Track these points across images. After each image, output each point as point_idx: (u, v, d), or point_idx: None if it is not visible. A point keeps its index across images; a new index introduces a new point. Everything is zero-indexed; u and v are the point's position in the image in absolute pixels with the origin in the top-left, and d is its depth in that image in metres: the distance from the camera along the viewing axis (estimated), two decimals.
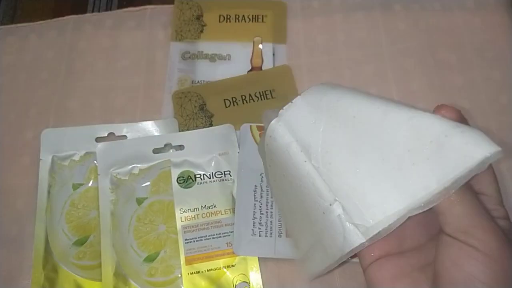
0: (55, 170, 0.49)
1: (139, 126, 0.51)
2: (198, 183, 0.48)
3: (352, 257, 0.33)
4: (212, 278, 0.44)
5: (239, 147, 0.49)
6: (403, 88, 0.53)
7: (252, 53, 0.56)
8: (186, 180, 0.48)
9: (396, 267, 0.32)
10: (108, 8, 0.60)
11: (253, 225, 0.45)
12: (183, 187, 0.47)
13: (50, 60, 0.56)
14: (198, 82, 0.54)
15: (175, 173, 0.48)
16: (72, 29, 0.57)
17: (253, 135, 0.49)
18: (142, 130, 0.51)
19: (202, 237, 0.46)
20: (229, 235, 0.46)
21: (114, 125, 0.51)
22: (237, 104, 0.52)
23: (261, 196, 0.47)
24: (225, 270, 0.45)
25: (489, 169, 0.30)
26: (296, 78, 0.54)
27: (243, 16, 0.57)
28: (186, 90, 0.53)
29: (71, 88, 0.54)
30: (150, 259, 0.45)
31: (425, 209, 0.28)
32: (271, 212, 0.46)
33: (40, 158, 0.49)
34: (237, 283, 0.44)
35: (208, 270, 0.45)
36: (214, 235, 0.46)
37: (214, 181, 0.48)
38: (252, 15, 0.57)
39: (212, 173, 0.48)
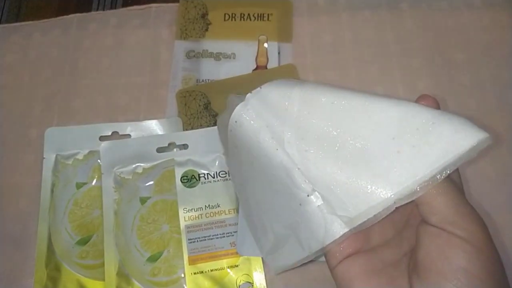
0: (59, 169, 0.48)
1: (143, 125, 0.50)
2: (202, 183, 0.47)
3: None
4: (215, 278, 0.44)
5: None
6: (410, 88, 0.53)
7: (257, 51, 0.55)
8: (190, 179, 0.47)
9: (368, 263, 0.31)
10: (113, 6, 0.60)
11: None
12: (187, 187, 0.47)
13: (54, 58, 0.56)
14: (203, 81, 0.54)
15: (179, 172, 0.48)
16: (76, 27, 0.57)
17: None
18: (146, 129, 0.50)
19: (205, 237, 0.45)
20: (232, 235, 0.45)
21: (118, 124, 0.51)
22: None
23: None
24: (228, 270, 0.44)
25: None
26: (302, 77, 0.53)
27: (249, 14, 0.57)
28: (190, 89, 0.53)
29: (75, 87, 0.54)
30: (153, 258, 0.45)
31: (412, 199, 0.27)
32: None
33: (44, 156, 0.49)
34: (241, 283, 0.44)
35: (211, 270, 0.44)
36: (217, 235, 0.45)
37: (218, 180, 0.48)
38: (258, 14, 0.57)
39: (216, 172, 0.48)
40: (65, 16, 0.58)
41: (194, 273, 0.44)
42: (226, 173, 0.48)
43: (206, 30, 0.56)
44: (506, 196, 0.48)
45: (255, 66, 0.55)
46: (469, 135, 0.27)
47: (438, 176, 0.27)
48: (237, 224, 0.45)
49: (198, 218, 0.46)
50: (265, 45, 0.55)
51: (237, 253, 0.44)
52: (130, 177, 0.47)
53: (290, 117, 0.31)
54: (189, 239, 0.45)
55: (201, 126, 0.51)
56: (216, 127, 0.50)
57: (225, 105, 0.39)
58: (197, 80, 0.54)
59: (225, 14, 0.57)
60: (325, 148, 0.30)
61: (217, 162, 0.48)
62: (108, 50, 0.56)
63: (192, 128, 0.51)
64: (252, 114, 0.33)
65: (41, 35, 0.57)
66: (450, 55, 0.54)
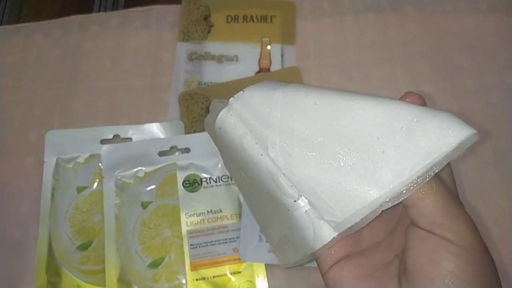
0: (59, 173, 0.48)
1: (144, 128, 0.50)
2: (204, 187, 0.47)
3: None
4: (217, 285, 0.44)
5: None
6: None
7: (260, 54, 0.55)
8: (192, 183, 0.47)
9: (359, 267, 0.30)
10: (114, 7, 0.59)
11: (260, 231, 0.44)
12: (189, 191, 0.47)
13: (55, 60, 0.55)
14: (205, 83, 0.53)
15: (180, 176, 0.47)
16: (77, 29, 0.57)
17: None
18: (147, 132, 0.50)
19: (207, 242, 0.45)
20: (235, 241, 0.45)
21: (119, 127, 0.50)
22: None
23: None
24: (230, 276, 0.44)
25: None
26: (305, 79, 0.53)
27: (251, 16, 0.56)
28: (192, 91, 0.52)
29: (76, 89, 0.53)
30: (154, 264, 0.44)
31: (399, 201, 0.27)
32: None
33: (44, 160, 0.48)
34: None
35: (213, 277, 0.44)
36: (220, 240, 0.45)
37: (220, 185, 0.47)
38: (261, 16, 0.56)
39: (219, 176, 0.47)
40: (66, 18, 0.57)
41: (196, 279, 0.44)
42: (228, 178, 0.47)
43: (209, 32, 0.56)
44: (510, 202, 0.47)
45: (258, 69, 0.54)
46: (455, 132, 0.26)
47: (425, 176, 0.26)
48: (240, 229, 0.45)
49: (200, 223, 0.45)
50: (268, 47, 0.55)
51: (239, 259, 0.44)
52: (132, 181, 0.47)
53: (273, 120, 0.31)
54: (191, 245, 0.45)
55: (203, 130, 0.50)
56: None
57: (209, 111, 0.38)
58: (199, 82, 0.53)
59: (227, 16, 0.57)
60: (308, 151, 0.29)
61: (219, 166, 0.48)
62: (110, 51, 0.55)
63: (194, 132, 0.50)
64: (235, 120, 0.32)
65: (42, 36, 0.56)
66: (454, 59, 0.54)
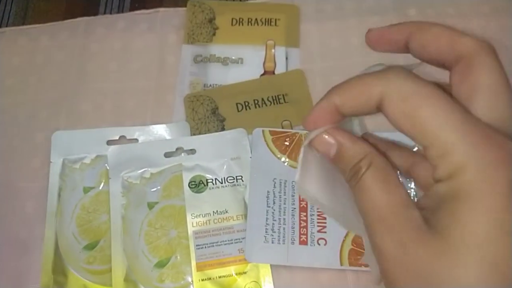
0: (66, 173, 0.48)
1: (150, 129, 0.50)
2: (210, 188, 0.47)
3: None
4: (223, 285, 0.44)
5: (251, 151, 0.48)
6: None
7: (265, 56, 0.55)
8: (198, 184, 0.47)
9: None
10: (120, 10, 0.60)
11: (266, 232, 0.45)
12: (195, 192, 0.47)
13: (61, 62, 0.55)
14: (210, 85, 0.54)
15: (186, 177, 0.47)
16: (83, 30, 0.57)
17: (265, 140, 0.49)
18: (153, 134, 0.50)
19: (213, 243, 0.45)
20: (241, 242, 0.45)
21: (126, 128, 0.50)
22: (250, 108, 0.52)
23: (274, 202, 0.46)
24: (236, 277, 0.44)
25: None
26: (310, 82, 0.53)
27: (256, 19, 0.57)
28: (198, 93, 0.53)
29: (82, 90, 0.54)
30: (161, 264, 0.44)
31: None
32: (284, 219, 0.45)
33: (51, 160, 0.48)
34: None
35: (219, 277, 0.44)
36: (225, 241, 0.45)
37: (226, 186, 0.47)
38: (265, 19, 0.57)
39: (224, 177, 0.48)
40: (72, 20, 0.57)
41: (202, 280, 0.44)
42: (233, 179, 0.48)
43: (214, 34, 0.56)
44: None
45: (262, 71, 0.54)
46: None
47: None
48: (245, 230, 0.45)
49: (206, 224, 0.46)
50: (273, 50, 0.55)
51: (245, 259, 0.44)
52: (138, 182, 0.47)
53: None
54: (197, 245, 0.45)
55: (209, 131, 0.51)
56: (224, 132, 0.50)
57: None
58: (204, 84, 0.54)
59: (232, 19, 0.57)
60: None
61: (225, 167, 0.48)
62: (115, 54, 0.56)
63: (199, 133, 0.50)
64: None
65: (48, 38, 0.57)
66: None
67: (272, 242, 0.44)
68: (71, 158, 0.49)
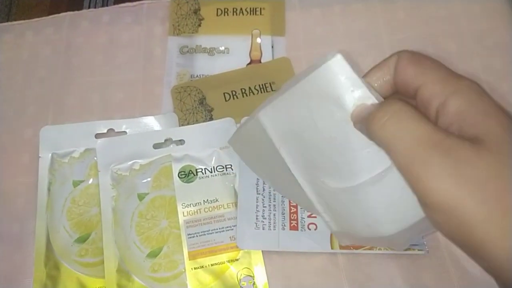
0: (55, 168, 0.48)
1: (138, 121, 0.50)
2: (199, 178, 0.47)
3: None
4: (216, 273, 0.44)
5: None
6: None
7: (251, 46, 0.55)
8: (188, 174, 0.47)
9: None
10: (105, 3, 0.60)
11: (256, 219, 0.45)
12: (185, 182, 0.47)
13: (47, 57, 0.55)
14: (197, 76, 0.54)
15: (176, 168, 0.48)
16: (68, 25, 0.57)
17: None
18: (141, 126, 0.50)
19: (205, 231, 0.45)
20: (232, 229, 0.45)
21: (114, 121, 0.50)
22: (237, 98, 0.52)
23: (264, 189, 0.46)
24: (229, 264, 0.45)
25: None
26: (296, 70, 0.53)
27: (241, 9, 0.57)
28: (185, 84, 0.53)
29: (69, 85, 0.54)
30: (153, 254, 0.45)
31: None
32: (274, 205, 0.46)
33: (40, 155, 0.48)
34: (242, 277, 0.44)
35: (212, 265, 0.44)
36: (217, 229, 0.45)
37: (215, 175, 0.48)
38: (250, 8, 0.57)
39: (214, 167, 0.48)
40: (57, 15, 0.57)
41: (195, 268, 0.44)
42: (223, 168, 0.48)
43: (199, 25, 0.56)
44: None
45: (249, 60, 0.55)
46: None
47: None
48: (236, 218, 0.45)
49: (197, 213, 0.46)
50: (258, 39, 0.55)
51: (237, 247, 0.44)
52: (127, 174, 0.47)
53: None
54: (188, 234, 0.45)
55: (197, 121, 0.51)
56: (212, 121, 0.50)
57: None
58: (191, 75, 0.54)
59: (217, 9, 0.57)
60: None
61: (214, 157, 0.48)
62: (101, 47, 0.56)
63: (188, 124, 0.51)
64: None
65: (34, 34, 0.56)
66: (442, 45, 0.54)
67: (263, 229, 0.45)
68: (60, 152, 0.49)
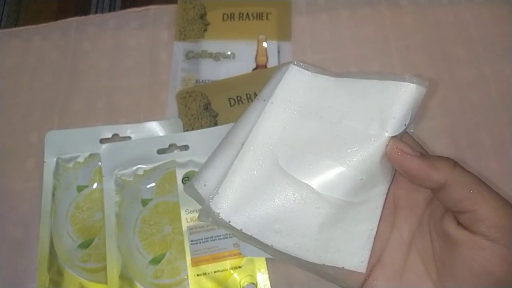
0: (60, 172, 0.48)
1: (143, 126, 0.50)
2: None
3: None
4: (219, 280, 0.44)
5: None
6: None
7: (257, 51, 0.55)
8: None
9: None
10: (112, 8, 0.60)
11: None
12: None
13: (54, 61, 0.55)
14: (203, 81, 0.54)
15: (180, 173, 0.47)
16: (75, 30, 0.57)
17: None
18: (146, 131, 0.50)
19: (208, 238, 0.45)
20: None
21: (118, 126, 0.50)
22: (242, 103, 0.52)
23: None
24: (232, 271, 0.44)
25: None
26: None
27: (247, 14, 0.57)
28: (190, 89, 0.53)
29: (75, 90, 0.54)
30: (156, 261, 0.44)
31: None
32: None
33: (45, 160, 0.48)
34: (245, 284, 0.44)
35: (214, 272, 0.44)
36: (220, 236, 0.45)
37: None
38: (256, 13, 0.57)
39: None
40: (64, 20, 0.57)
41: (198, 275, 0.44)
42: None
43: (205, 30, 0.56)
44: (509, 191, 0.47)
45: (255, 66, 0.54)
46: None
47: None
48: None
49: None
50: (264, 44, 0.55)
51: (240, 254, 0.44)
52: (131, 179, 0.47)
53: None
54: (191, 241, 0.45)
55: (202, 127, 0.51)
56: (217, 127, 0.50)
57: None
58: (196, 80, 0.54)
59: (223, 14, 0.57)
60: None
61: None
62: (108, 52, 0.56)
63: (192, 129, 0.50)
64: None
65: (41, 39, 0.57)
66: (451, 51, 0.54)
67: None
68: (64, 157, 0.49)
